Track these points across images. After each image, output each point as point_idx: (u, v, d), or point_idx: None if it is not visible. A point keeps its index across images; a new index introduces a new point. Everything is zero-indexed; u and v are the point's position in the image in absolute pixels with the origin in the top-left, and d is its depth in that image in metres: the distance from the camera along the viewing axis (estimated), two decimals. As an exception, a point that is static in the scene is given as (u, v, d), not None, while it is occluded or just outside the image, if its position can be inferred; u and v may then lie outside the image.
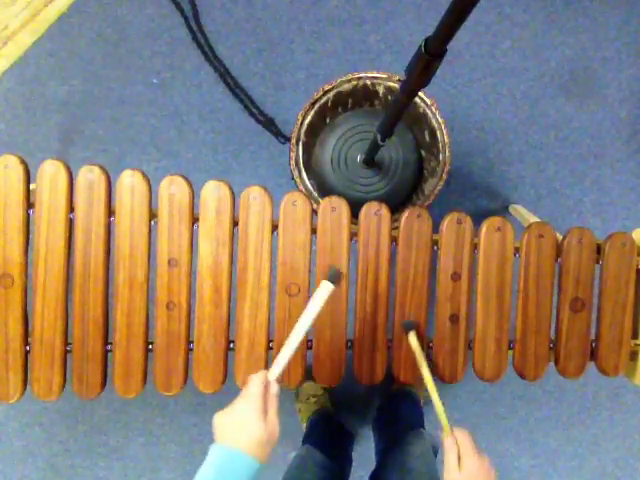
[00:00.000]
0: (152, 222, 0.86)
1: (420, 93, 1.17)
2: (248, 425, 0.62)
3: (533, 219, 1.28)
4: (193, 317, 0.87)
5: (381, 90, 1.21)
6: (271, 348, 0.88)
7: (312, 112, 1.20)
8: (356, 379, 0.89)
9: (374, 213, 0.87)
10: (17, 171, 0.84)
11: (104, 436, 1.48)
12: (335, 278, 0.75)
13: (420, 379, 0.83)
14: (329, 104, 1.21)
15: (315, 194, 1.23)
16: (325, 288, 0.73)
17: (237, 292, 0.87)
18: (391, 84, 1.19)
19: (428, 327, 0.88)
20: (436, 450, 1.08)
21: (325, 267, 0.87)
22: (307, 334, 0.73)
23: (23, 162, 0.84)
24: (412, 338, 0.84)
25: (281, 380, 0.71)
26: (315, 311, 0.72)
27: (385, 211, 0.87)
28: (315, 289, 0.75)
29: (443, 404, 0.75)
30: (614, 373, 0.90)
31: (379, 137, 0.97)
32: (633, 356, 0.91)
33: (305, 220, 0.86)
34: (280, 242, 0.87)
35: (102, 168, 0.85)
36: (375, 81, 1.19)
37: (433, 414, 1.47)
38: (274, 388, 0.68)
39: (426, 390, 0.80)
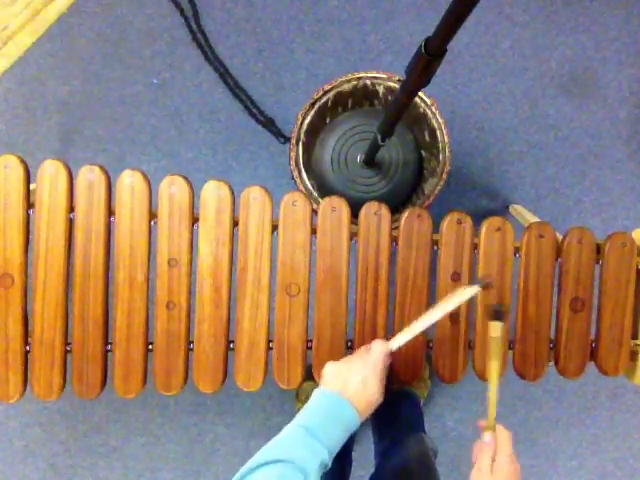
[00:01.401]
0: (152, 222, 0.86)
1: (420, 93, 1.17)
2: (368, 388, 0.65)
3: (533, 219, 1.27)
4: (193, 317, 0.87)
5: (381, 90, 1.21)
6: (271, 348, 0.88)
7: (312, 112, 1.20)
8: (356, 379, 0.89)
9: (374, 213, 0.87)
10: (17, 171, 0.84)
11: (104, 436, 1.48)
12: (485, 285, 0.78)
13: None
14: (329, 104, 1.21)
15: (315, 194, 1.23)
16: (470, 291, 0.76)
17: (237, 292, 0.87)
18: (391, 84, 1.19)
19: (428, 327, 0.88)
20: (435, 454, 1.07)
21: (325, 267, 0.87)
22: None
23: (23, 162, 0.84)
24: (496, 328, 0.76)
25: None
26: (452, 305, 0.75)
27: (385, 211, 0.87)
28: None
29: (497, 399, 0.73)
30: (614, 373, 0.90)
31: (379, 137, 0.97)
32: (633, 356, 0.91)
33: (305, 220, 0.86)
34: (280, 242, 0.87)
35: (102, 168, 0.85)
36: (375, 81, 1.19)
37: (433, 414, 1.48)
38: (388, 360, 0.71)
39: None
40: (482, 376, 0.89)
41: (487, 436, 0.68)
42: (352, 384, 0.65)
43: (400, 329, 0.88)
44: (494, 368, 0.75)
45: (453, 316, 0.88)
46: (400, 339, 0.73)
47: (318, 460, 0.58)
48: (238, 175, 1.48)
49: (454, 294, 0.77)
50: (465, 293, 0.76)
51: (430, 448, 1.05)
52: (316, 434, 0.60)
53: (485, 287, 0.77)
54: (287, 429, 0.62)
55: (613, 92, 1.52)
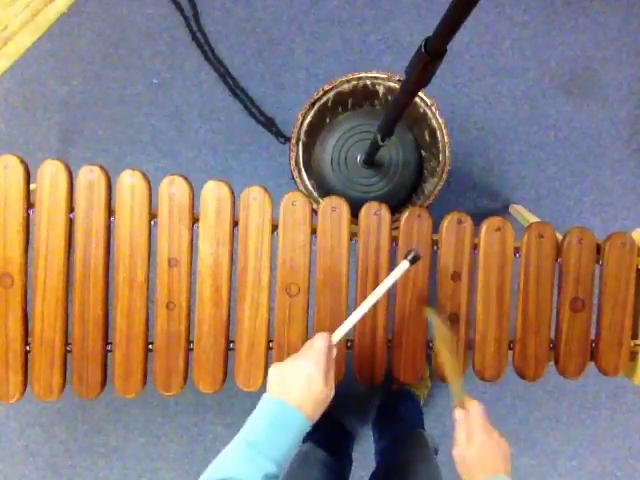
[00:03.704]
0: (152, 222, 0.86)
1: (420, 93, 1.17)
2: (312, 383, 0.62)
3: (533, 219, 1.28)
4: (193, 317, 0.87)
5: (381, 90, 1.21)
6: (271, 348, 0.88)
7: (312, 112, 1.20)
8: (356, 379, 0.89)
9: (374, 213, 0.87)
10: (17, 171, 0.84)
11: (104, 436, 1.48)
12: (414, 259, 0.77)
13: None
14: (329, 104, 1.21)
15: (315, 194, 1.23)
16: (402, 266, 0.77)
17: (237, 292, 0.87)
18: (391, 84, 1.19)
19: (428, 327, 0.88)
20: (436, 451, 1.08)
21: (325, 267, 0.87)
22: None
23: (23, 162, 0.84)
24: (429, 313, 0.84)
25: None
26: (389, 284, 0.75)
27: (385, 211, 0.87)
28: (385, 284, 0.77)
29: (460, 377, 0.75)
30: (614, 373, 0.90)
31: (379, 137, 0.97)
32: (633, 356, 0.91)
33: (305, 220, 0.86)
34: (280, 242, 0.87)
35: (102, 168, 0.85)
36: (375, 81, 1.19)
37: (433, 414, 1.48)
38: (335, 352, 0.68)
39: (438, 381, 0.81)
40: (482, 376, 0.89)
41: (457, 413, 0.71)
42: (296, 386, 0.62)
43: (400, 329, 0.88)
44: (442, 350, 0.80)
45: (453, 316, 0.88)
46: (342, 329, 0.71)
47: (261, 474, 0.56)
48: (238, 175, 1.48)
49: (392, 273, 0.77)
50: (396, 271, 0.77)
51: (430, 445, 1.05)
52: (259, 447, 0.58)
53: (413, 261, 0.77)
54: (231, 443, 0.60)
55: (613, 92, 1.52)
